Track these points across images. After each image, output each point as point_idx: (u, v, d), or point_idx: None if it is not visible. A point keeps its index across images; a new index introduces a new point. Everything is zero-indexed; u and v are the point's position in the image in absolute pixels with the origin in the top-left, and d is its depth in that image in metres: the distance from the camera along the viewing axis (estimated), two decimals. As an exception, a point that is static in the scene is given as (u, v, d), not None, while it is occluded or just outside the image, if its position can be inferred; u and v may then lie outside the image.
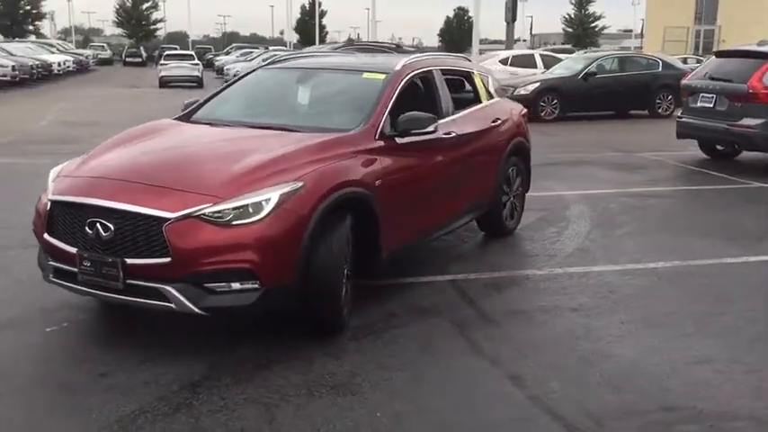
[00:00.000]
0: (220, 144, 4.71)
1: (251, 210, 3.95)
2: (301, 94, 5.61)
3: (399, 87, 5.20)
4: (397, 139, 4.94)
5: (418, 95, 5.59)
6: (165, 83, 31.01)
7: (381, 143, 4.83)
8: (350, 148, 4.62)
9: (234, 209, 3.93)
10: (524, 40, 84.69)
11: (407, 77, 5.35)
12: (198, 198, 3.95)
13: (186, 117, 5.43)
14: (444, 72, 5.98)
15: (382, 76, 5.27)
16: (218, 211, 3.91)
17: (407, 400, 3.69)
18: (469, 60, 7.11)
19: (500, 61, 20.76)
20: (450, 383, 3.88)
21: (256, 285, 3.94)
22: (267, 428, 3.42)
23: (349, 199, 4.42)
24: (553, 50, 35.47)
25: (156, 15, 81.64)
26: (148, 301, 3.98)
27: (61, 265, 4.23)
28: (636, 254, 6.23)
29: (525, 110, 7.22)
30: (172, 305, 3.92)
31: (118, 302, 4.17)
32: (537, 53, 22.44)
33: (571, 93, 16.91)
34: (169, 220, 3.86)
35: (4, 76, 27.57)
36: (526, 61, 20.58)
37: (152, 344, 4.26)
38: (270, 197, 3.99)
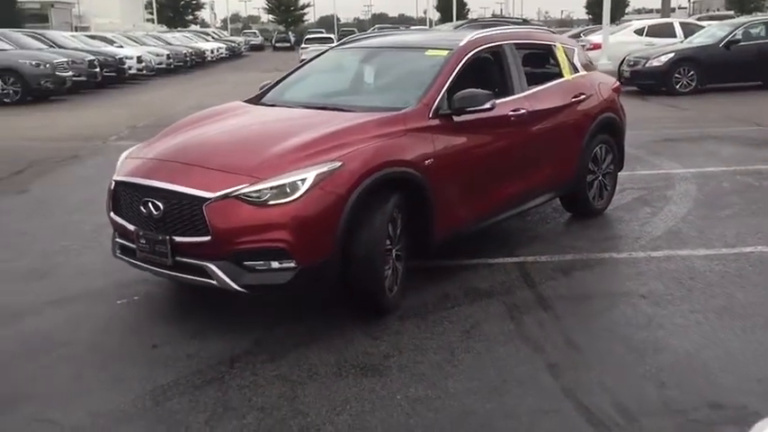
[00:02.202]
0: (272, 125, 4.80)
1: (287, 190, 4.00)
2: (363, 73, 5.59)
3: (462, 64, 5.05)
4: (453, 117, 4.81)
5: (485, 72, 5.41)
6: (306, 65, 31.93)
7: (436, 121, 4.73)
8: (400, 126, 4.55)
9: (271, 189, 4.00)
10: (683, 8, 79.55)
11: (472, 53, 5.19)
12: (237, 178, 4.05)
13: (256, 99, 5.58)
14: (520, 46, 5.75)
15: (445, 53, 5.14)
16: (256, 191, 4.00)
17: (432, 384, 3.61)
18: (552, 32, 6.78)
19: (635, 32, 19.60)
20: (481, 369, 3.76)
21: (291, 264, 4.00)
22: (287, 406, 3.48)
23: (394, 179, 4.37)
24: (710, 18, 33.07)
25: (303, 1, 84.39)
26: (194, 278, 4.15)
27: (125, 242, 4.50)
28: (732, 238, 5.72)
29: (618, 83, 6.79)
30: (214, 282, 4.07)
31: (170, 278, 4.38)
32: (676, 21, 20.95)
33: (710, 63, 15.68)
34: (209, 199, 4.00)
35: (160, 63, 29.57)
36: (664, 30, 19.26)
37: (207, 319, 4.45)
38: (306, 177, 4.02)
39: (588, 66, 6.53)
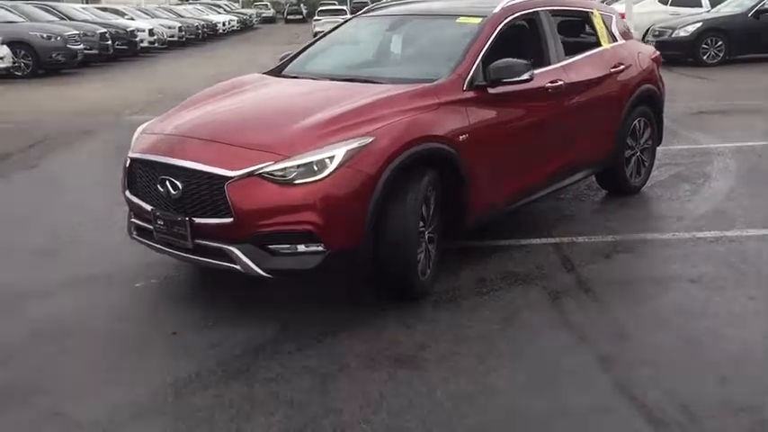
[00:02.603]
0: (296, 99, 4.50)
1: (315, 168, 3.72)
2: (391, 43, 5.28)
3: (496, 32, 4.72)
4: (489, 89, 4.49)
5: (521, 40, 5.07)
6: (318, 38, 31.50)
7: (471, 94, 4.41)
8: (433, 99, 4.24)
9: (297, 167, 3.72)
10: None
11: (507, 21, 4.85)
12: (261, 156, 3.77)
13: (277, 71, 5.27)
14: (556, 13, 5.40)
15: (478, 20, 4.81)
16: (281, 170, 3.71)
17: (474, 379, 3.35)
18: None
19: (660, 1, 19.04)
20: (526, 361, 3.49)
21: (320, 248, 3.73)
22: (317, 401, 3.22)
23: (427, 155, 4.07)
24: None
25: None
26: (215, 262, 3.89)
27: (141, 223, 4.24)
28: (782, 217, 5.40)
29: (657, 53, 6.42)
30: (237, 266, 3.80)
31: (189, 262, 4.12)
32: (703, -10, 20.32)
33: (739, 33, 15.17)
34: (231, 178, 3.72)
35: (172, 36, 29.18)
36: (689, 0, 18.71)
37: (230, 304, 4.20)
38: (334, 154, 3.73)
39: (626, 34, 6.17)
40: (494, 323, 3.87)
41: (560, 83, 5.03)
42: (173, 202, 3.94)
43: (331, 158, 3.72)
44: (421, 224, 4.05)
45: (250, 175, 3.71)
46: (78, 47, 18.15)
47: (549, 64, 5.07)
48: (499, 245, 5.00)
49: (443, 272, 4.48)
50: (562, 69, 5.13)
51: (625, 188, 6.02)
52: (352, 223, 3.77)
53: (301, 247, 3.75)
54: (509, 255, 4.82)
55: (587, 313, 3.94)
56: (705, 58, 15.20)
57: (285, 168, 3.71)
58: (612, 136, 5.68)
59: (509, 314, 3.96)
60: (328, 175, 3.70)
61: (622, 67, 5.69)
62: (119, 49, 21.76)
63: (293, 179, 3.70)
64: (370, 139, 3.82)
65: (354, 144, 3.78)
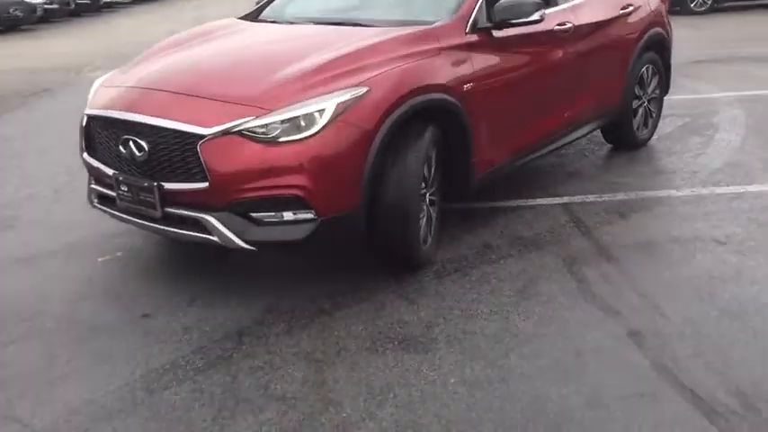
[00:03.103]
0: (278, 46, 3.95)
1: (302, 123, 3.21)
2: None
3: (500, -33, 4.19)
4: (494, 32, 3.99)
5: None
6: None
7: (474, 37, 3.91)
8: (433, 44, 3.73)
9: (282, 122, 3.21)
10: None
11: (511, -46, 4.32)
12: (239, 110, 3.25)
13: (253, 15, 4.71)
14: (561, -52, 4.87)
15: (480, -45, 4.27)
16: (263, 126, 3.20)
17: (491, 362, 2.92)
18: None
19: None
20: (547, 340, 3.06)
21: (310, 215, 3.25)
22: (314, 395, 2.78)
23: (429, 108, 3.58)
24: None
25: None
26: (189, 233, 3.39)
27: (103, 190, 3.72)
28: (805, 170, 5.01)
29: (666, -7, 5.93)
30: (214, 238, 3.31)
31: (159, 233, 3.63)
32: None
33: (727, -21, 14.69)
34: (204, 137, 3.20)
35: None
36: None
37: (208, 280, 3.72)
38: (324, 107, 3.23)
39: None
40: (506, 295, 3.44)
41: (569, 25, 4.53)
42: (138, 165, 3.42)
43: (320, 112, 3.22)
44: (422, 186, 3.58)
45: (227, 132, 3.20)
46: (38, 1, 17.20)
47: (556, 4, 4.58)
48: (503, 206, 4.55)
49: (445, 238, 4.05)
50: (570, 10, 4.63)
51: (632, 141, 5.59)
52: (345, 186, 3.29)
53: (288, 215, 3.27)
54: (516, 217, 4.37)
55: (610, 281, 3.53)
56: (692, 6, 14.71)
57: (267, 124, 3.20)
58: (621, 84, 5.23)
59: (523, 285, 3.53)
60: (317, 131, 3.20)
61: (632, 8, 5.20)
62: (80, 4, 20.75)
63: (277, 137, 3.20)
64: (365, 90, 3.32)
65: (347, 96, 3.27)
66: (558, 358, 2.93)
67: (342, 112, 3.24)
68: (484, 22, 3.95)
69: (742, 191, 4.62)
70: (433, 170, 3.73)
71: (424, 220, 3.67)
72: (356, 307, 3.39)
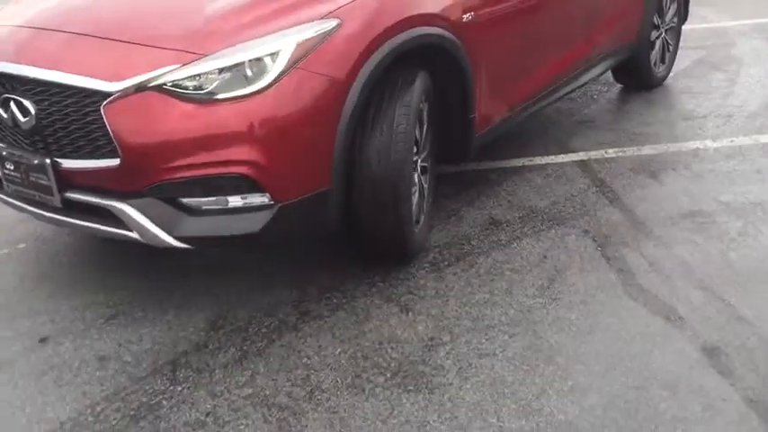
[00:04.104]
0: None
1: (249, 72, 2.29)
2: None
3: None
4: (498, -59, 3.07)
5: None
6: None
7: (474, -50, 2.98)
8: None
9: (219, 72, 2.29)
10: None
11: None
12: (160, 56, 2.32)
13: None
14: None
15: None
16: (193, 77, 2.28)
17: (524, 407, 2.10)
18: None
19: None
20: (597, 369, 2.25)
21: (265, 200, 2.36)
22: (276, 464, 1.95)
23: (420, 47, 2.68)
24: None
25: None
26: (99, 227, 2.49)
27: (-14, 168, 2.77)
28: None
29: None
30: (133, 234, 2.42)
31: (62, 226, 2.71)
32: None
33: None
34: (110, 94, 2.28)
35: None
36: None
37: (135, 283, 2.83)
38: (279, 48, 2.31)
39: None
40: (528, 294, 2.61)
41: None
42: (24, 134, 2.48)
43: (273, 56, 2.30)
44: (413, 151, 2.70)
45: (141, 87, 2.27)
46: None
47: None
48: (506, 167, 3.71)
49: (440, 213, 3.21)
50: None
51: (648, 80, 4.74)
52: (312, 158, 2.40)
53: (235, 200, 2.38)
54: (524, 182, 3.53)
55: (658, 269, 2.72)
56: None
57: (199, 75, 2.28)
58: (640, 13, 4.35)
59: (547, 278, 2.71)
60: (270, 83, 2.29)
61: None
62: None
63: (214, 92, 2.28)
64: (334, 24, 2.40)
65: (309, 32, 2.35)
66: (613, 399, 2.12)
67: (303, 55, 2.32)
68: (486, -71, 3.03)
69: (793, 140, 3.83)
70: (425, 129, 2.86)
71: (416, 195, 2.81)
72: (331, 318, 2.54)
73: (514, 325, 2.44)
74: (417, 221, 2.84)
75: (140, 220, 2.36)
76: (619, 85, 4.88)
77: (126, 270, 2.91)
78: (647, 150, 3.82)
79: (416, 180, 2.80)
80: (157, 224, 2.36)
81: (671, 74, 4.97)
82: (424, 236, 2.95)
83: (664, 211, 3.17)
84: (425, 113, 2.84)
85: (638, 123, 4.23)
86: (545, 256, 2.85)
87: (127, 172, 2.33)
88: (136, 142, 2.28)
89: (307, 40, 2.34)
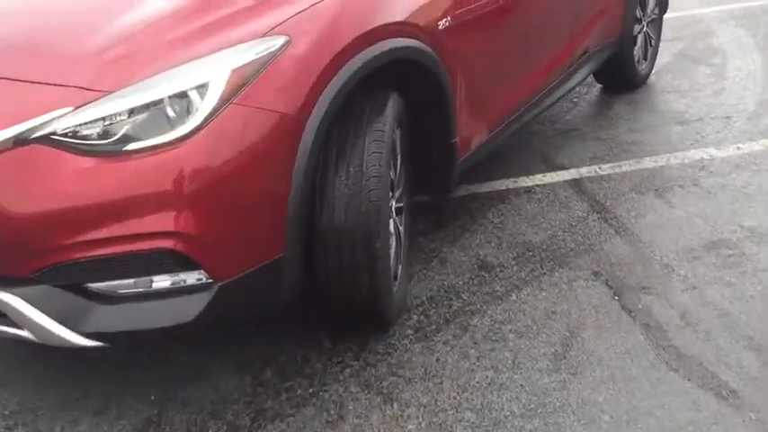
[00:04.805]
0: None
1: (169, 112, 1.73)
2: None
3: None
4: (475, -70, 2.54)
5: None
6: None
7: (447, -60, 2.44)
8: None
9: (130, 113, 1.71)
10: None
11: None
12: (47, 95, 1.73)
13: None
14: None
15: None
16: (93, 123, 1.71)
17: None
18: None
19: None
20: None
21: (200, 279, 1.79)
22: None
23: (390, 64, 2.13)
24: None
25: None
26: (-22, 324, 1.89)
27: None
28: None
29: None
30: (24, 333, 1.82)
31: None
32: None
33: None
34: (-21, 152, 1.68)
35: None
36: None
37: (37, 378, 2.23)
38: (208, 80, 1.74)
39: None
40: (540, 369, 2.09)
41: None
42: None
43: (202, 89, 1.73)
44: (389, 192, 2.16)
45: (23, 140, 1.69)
46: None
47: None
48: (490, 191, 3.20)
49: (419, 254, 2.68)
50: None
51: (631, 79, 4.27)
52: (260, 219, 1.84)
53: (161, 281, 1.80)
54: (512, 209, 3.02)
55: (695, 325, 2.22)
56: None
57: (103, 119, 1.71)
58: (623, 3, 3.88)
59: (560, 343, 2.19)
60: (200, 125, 1.72)
61: None
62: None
63: (124, 140, 1.70)
64: (280, 42, 1.84)
65: (247, 55, 1.79)
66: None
67: (241, 85, 1.76)
68: None
69: (807, 144, 3.40)
70: (399, 163, 2.32)
71: (393, 244, 2.26)
72: (296, 418, 1.98)
73: (529, 416, 1.92)
74: (395, 276, 2.30)
75: (32, 315, 1.77)
76: (598, 86, 4.41)
77: (28, 364, 2.30)
78: (646, 163, 3.35)
79: (392, 225, 2.26)
80: (57, 319, 1.77)
81: (653, 70, 4.52)
82: (404, 292, 2.42)
83: (681, 241, 2.68)
84: (399, 143, 2.30)
85: (628, 130, 3.75)
86: (553, 312, 2.34)
87: (9, 252, 1.73)
88: (18, 212, 1.70)
89: (245, 65, 1.78)
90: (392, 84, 2.23)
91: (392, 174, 2.20)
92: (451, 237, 2.84)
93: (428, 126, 2.45)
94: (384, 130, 2.08)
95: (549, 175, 3.32)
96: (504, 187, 3.23)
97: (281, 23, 1.87)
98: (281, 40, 1.84)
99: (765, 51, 4.81)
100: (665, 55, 4.82)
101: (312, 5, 1.94)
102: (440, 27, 2.32)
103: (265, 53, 1.80)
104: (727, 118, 3.78)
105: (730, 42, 5.08)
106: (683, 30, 5.45)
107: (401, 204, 2.40)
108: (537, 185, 3.23)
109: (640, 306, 2.33)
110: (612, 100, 4.21)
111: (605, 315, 2.30)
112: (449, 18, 2.36)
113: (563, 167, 3.37)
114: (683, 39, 5.24)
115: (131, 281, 1.78)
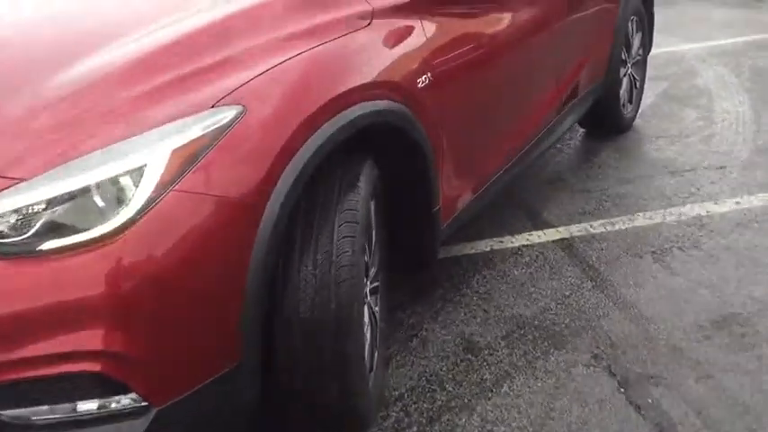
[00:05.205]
0: (37, 26, 2.04)
1: (97, 202, 1.42)
2: None
3: None
4: (455, -24, 2.28)
5: None
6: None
7: (423, -13, 2.19)
8: (356, 4, 1.98)
9: (48, 205, 1.40)
10: None
11: None
12: (-59, 185, 1.41)
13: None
14: None
15: None
16: (1, 217, 1.39)
17: None
18: None
19: None
20: None
21: (134, 403, 1.48)
22: None
23: (364, 131, 1.85)
24: None
25: None
26: None
27: None
28: None
29: None
30: None
31: None
32: None
33: None
34: None
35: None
36: None
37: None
38: (144, 162, 1.44)
39: None
40: (543, 484, 1.80)
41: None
42: None
43: (136, 173, 1.43)
44: (363, 278, 1.86)
45: None
46: None
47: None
48: (472, 253, 2.92)
49: (396, 332, 2.39)
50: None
51: (617, 123, 4.06)
52: (209, 327, 1.53)
53: (87, 405, 1.48)
54: (498, 275, 2.74)
55: (716, 427, 1.95)
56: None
57: (16, 211, 1.39)
58: (608, 46, 3.67)
59: (563, 448, 1.91)
60: (134, 218, 1.41)
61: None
62: None
63: (41, 238, 1.39)
64: (233, 113, 1.54)
65: (192, 130, 1.49)
66: None
67: (185, 167, 1.46)
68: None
69: (810, 198, 3.18)
70: (374, 239, 2.03)
71: (368, 333, 1.97)
72: None
73: None
74: (371, 368, 2.00)
75: (-73, 453, 1.44)
76: (581, 130, 4.18)
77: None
78: (640, 221, 3.10)
79: (366, 314, 1.96)
80: (-44, 456, 1.45)
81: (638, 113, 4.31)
82: (382, 383, 2.12)
83: (687, 315, 2.42)
84: (373, 218, 2.01)
85: (617, 181, 3.51)
86: (551, 408, 2.05)
87: None
88: None
89: (189, 143, 1.48)
90: (366, 149, 1.95)
91: (366, 255, 1.91)
92: (432, 310, 2.55)
93: (407, 194, 2.17)
94: (357, 209, 1.79)
95: (536, 233, 3.05)
96: (488, 248, 2.96)
97: (234, 90, 1.58)
98: (233, 111, 1.54)
99: (751, 92, 4.63)
100: (648, 95, 4.62)
101: (271, 68, 1.65)
102: (420, 85, 2.05)
103: (214, 128, 1.51)
104: (722, 168, 3.56)
105: (715, 82, 4.91)
106: (665, 68, 5.28)
107: (377, 283, 2.11)
108: (524, 246, 2.96)
109: (650, 400, 2.05)
110: (598, 146, 3.97)
111: (611, 413, 2.02)
112: (429, 74, 2.08)
113: (551, 225, 3.11)
114: (666, 78, 5.06)
115: (46, 407, 1.45)
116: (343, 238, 1.73)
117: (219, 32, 1.74)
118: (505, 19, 2.58)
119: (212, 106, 1.54)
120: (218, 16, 1.79)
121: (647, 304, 2.50)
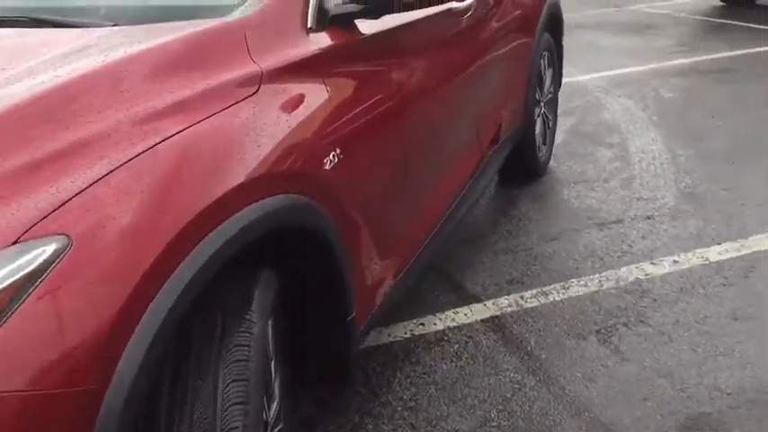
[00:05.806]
0: None
1: None
2: None
3: None
4: (360, 23, 1.80)
5: None
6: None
7: (326, 40, 1.71)
8: (243, 66, 1.48)
9: None
10: None
11: None
12: None
13: None
14: None
15: None
16: None
17: None
18: None
19: None
20: None
21: None
22: None
23: (256, 240, 1.34)
24: None
25: None
26: None
27: None
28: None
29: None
30: None
31: None
32: None
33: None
34: None
35: None
36: None
37: None
38: None
39: None
40: None
41: (471, 3, 2.48)
42: None
43: None
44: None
45: None
46: None
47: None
48: (390, 342, 2.45)
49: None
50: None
51: (532, 168, 3.72)
52: None
53: None
54: (424, 371, 2.27)
55: None
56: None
57: None
58: (523, 87, 3.32)
59: None
60: None
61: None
62: None
63: None
64: (51, 248, 1.00)
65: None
66: None
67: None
68: (341, 6, 1.75)
69: (747, 252, 2.91)
70: (274, 367, 1.52)
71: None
72: None
73: None
74: None
75: None
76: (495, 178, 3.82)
77: None
78: (575, 289, 2.73)
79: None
80: None
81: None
82: None
83: (651, 419, 2.04)
84: (271, 338, 1.50)
85: (541, 237, 3.15)
86: None
87: None
88: None
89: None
90: (263, 259, 1.44)
91: (266, 411, 1.40)
92: (347, 428, 2.06)
93: (315, 304, 1.68)
94: (249, 345, 1.29)
95: (461, 311, 2.62)
96: (408, 334, 2.50)
97: (54, 211, 1.04)
98: (51, 246, 1.01)
99: (660, 128, 4.43)
100: (557, 132, 4.32)
101: (114, 170, 1.12)
102: (327, 166, 1.56)
103: (17, 277, 0.97)
104: (650, 218, 3.26)
105: (623, 116, 4.70)
106: (570, 101, 5.03)
107: (279, 411, 1.59)
108: (449, 329, 2.52)
109: None
110: (515, 195, 3.61)
111: None
112: (338, 150, 1.60)
113: (477, 299, 2.69)
114: (572, 112, 4.81)
115: None
116: (238, 391, 1.23)
117: (37, 114, 1.19)
118: (422, 68, 2.14)
119: (18, 239, 0.99)
120: (38, 88, 1.24)
121: (602, 406, 2.10)
